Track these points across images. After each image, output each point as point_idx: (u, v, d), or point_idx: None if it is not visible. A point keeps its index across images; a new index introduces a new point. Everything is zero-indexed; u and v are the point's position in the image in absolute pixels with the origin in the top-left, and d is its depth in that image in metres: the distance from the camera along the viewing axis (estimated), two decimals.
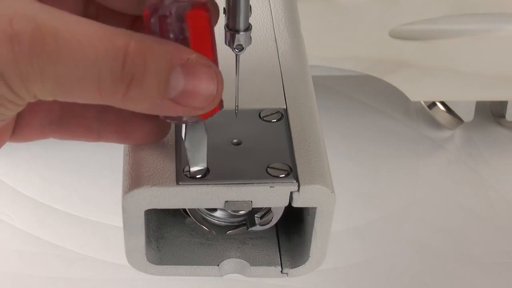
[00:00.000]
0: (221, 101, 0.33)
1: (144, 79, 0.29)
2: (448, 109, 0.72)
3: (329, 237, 0.38)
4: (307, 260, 0.39)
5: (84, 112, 0.35)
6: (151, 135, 0.36)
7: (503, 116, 0.74)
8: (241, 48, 0.35)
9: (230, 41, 0.35)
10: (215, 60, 0.32)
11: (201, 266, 0.40)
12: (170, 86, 0.30)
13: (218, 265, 0.40)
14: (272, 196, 0.35)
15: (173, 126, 0.38)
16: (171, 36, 0.31)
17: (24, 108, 0.31)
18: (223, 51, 0.34)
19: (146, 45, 0.29)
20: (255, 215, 0.38)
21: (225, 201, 0.35)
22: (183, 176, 0.35)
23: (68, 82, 0.29)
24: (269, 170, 0.36)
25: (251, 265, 0.40)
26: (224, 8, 0.34)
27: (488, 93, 0.69)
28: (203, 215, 0.39)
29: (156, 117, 0.33)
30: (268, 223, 0.38)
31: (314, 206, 0.36)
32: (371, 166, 0.70)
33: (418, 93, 0.69)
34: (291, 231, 0.41)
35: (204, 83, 0.30)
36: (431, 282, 0.61)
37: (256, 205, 0.36)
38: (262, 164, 0.36)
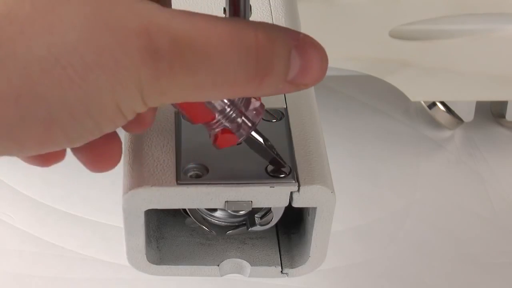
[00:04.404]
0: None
1: (273, 68, 0.29)
2: (448, 109, 0.72)
3: (329, 237, 0.38)
4: (307, 260, 0.39)
5: None
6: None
7: (503, 116, 0.74)
8: None
9: None
10: None
11: (201, 266, 0.40)
12: (290, 68, 0.30)
13: (218, 265, 0.40)
14: (272, 196, 0.35)
15: (172, 125, 0.38)
16: None
17: None
18: None
19: (271, 34, 0.29)
20: (255, 215, 0.38)
21: (225, 201, 0.35)
22: (183, 176, 0.35)
23: (204, 88, 0.29)
24: (269, 170, 0.36)
25: (251, 265, 0.40)
26: (224, 8, 0.34)
27: (488, 93, 0.69)
28: (203, 215, 0.39)
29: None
30: (268, 223, 0.38)
31: (314, 206, 0.36)
32: (371, 166, 0.70)
33: (418, 93, 0.69)
34: (291, 231, 0.41)
35: (316, 60, 0.31)
36: (431, 282, 0.61)
37: (256, 205, 0.36)
38: (262, 164, 0.36)
